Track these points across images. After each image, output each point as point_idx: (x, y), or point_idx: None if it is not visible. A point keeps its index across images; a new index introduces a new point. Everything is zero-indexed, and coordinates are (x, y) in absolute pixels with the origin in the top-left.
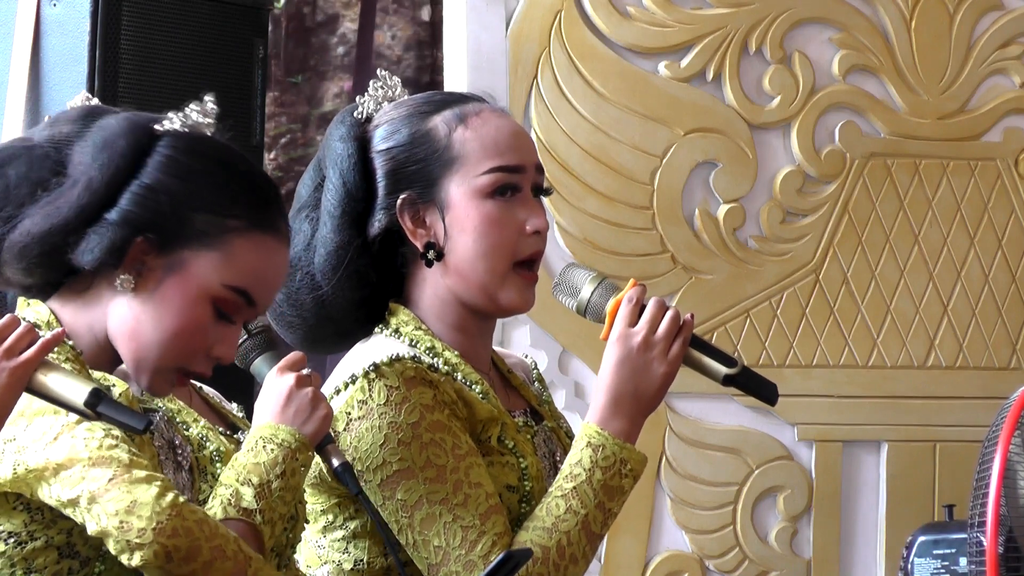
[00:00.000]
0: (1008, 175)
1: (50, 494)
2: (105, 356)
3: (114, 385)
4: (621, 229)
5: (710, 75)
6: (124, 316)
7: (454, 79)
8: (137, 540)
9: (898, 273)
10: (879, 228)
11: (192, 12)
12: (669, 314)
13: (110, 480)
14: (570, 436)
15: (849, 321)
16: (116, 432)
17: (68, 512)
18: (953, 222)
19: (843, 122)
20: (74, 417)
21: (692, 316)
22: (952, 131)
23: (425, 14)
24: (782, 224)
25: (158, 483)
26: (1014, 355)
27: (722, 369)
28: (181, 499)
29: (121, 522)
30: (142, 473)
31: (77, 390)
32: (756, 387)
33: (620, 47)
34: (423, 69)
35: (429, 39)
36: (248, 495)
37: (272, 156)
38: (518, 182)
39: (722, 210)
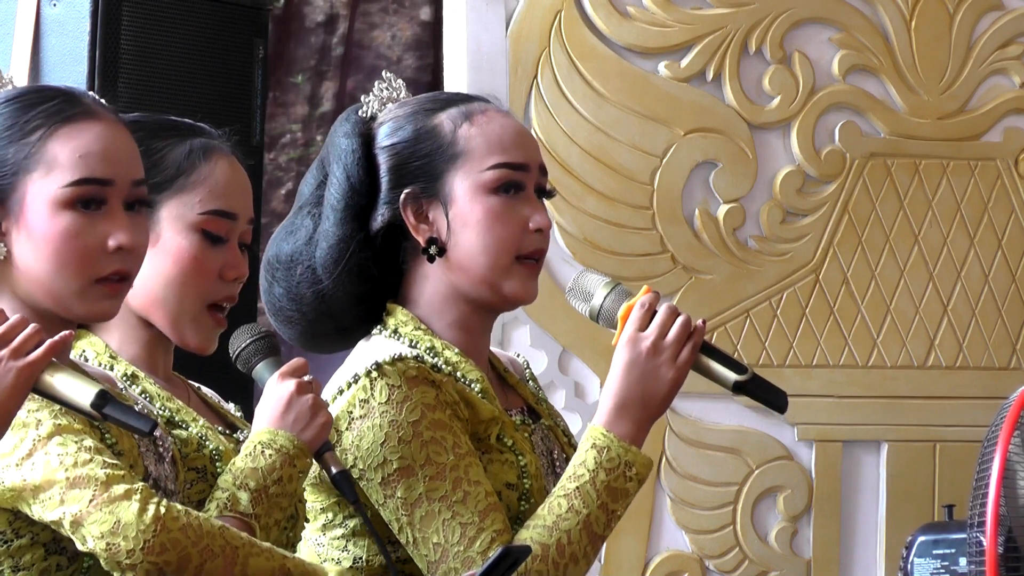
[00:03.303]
0: (1008, 175)
1: (32, 513)
2: (47, 320)
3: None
4: (621, 229)
5: (710, 75)
6: (19, 275)
7: (454, 79)
8: (128, 561)
9: (898, 273)
10: (879, 228)
11: (192, 12)
12: (680, 319)
13: (90, 502)
14: (567, 435)
15: (849, 321)
16: (89, 443)
17: (55, 528)
18: (953, 222)
19: (843, 122)
20: (45, 430)
21: (704, 322)
22: (952, 131)
23: (425, 14)
24: (782, 224)
25: (138, 496)
26: (1014, 355)
27: (732, 376)
28: (163, 508)
29: (108, 544)
30: (121, 489)
31: (84, 391)
32: (766, 394)
33: (620, 47)
34: (423, 69)
35: (429, 39)
36: (244, 499)
37: (272, 156)
38: (522, 180)
39: (722, 210)
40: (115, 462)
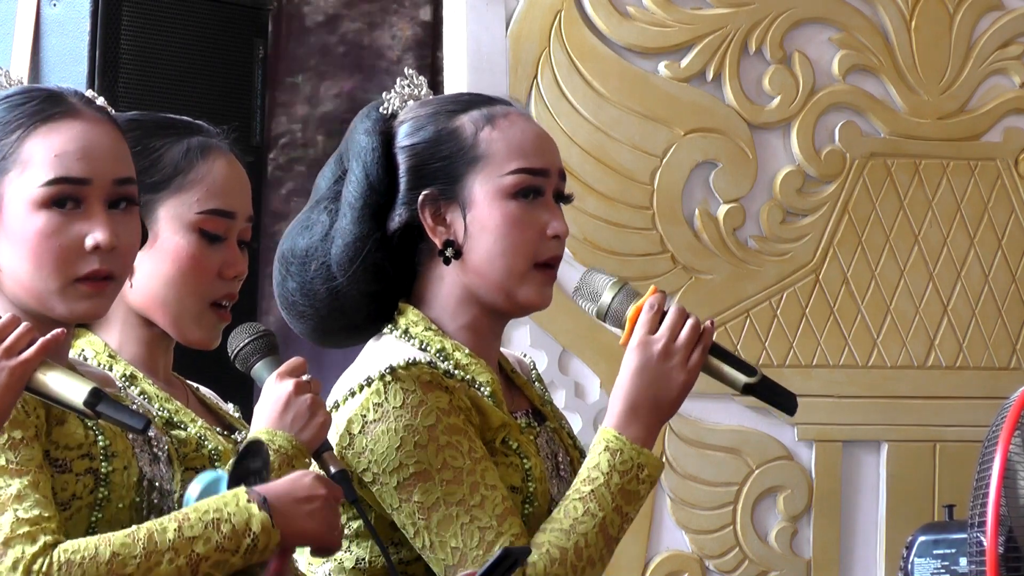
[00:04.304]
0: (1008, 175)
1: None
2: (38, 320)
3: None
4: (621, 229)
5: (710, 75)
6: (4, 276)
7: (454, 79)
8: None
9: (898, 273)
10: (879, 228)
11: (192, 12)
12: (690, 322)
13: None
14: (572, 437)
15: (849, 321)
16: (15, 489)
17: None
18: (953, 222)
19: (843, 122)
20: None
21: (712, 324)
22: (952, 131)
23: (425, 14)
24: (782, 224)
25: (22, 565)
26: (1014, 355)
27: (741, 378)
28: (51, 557)
29: None
30: (8, 559)
31: (77, 389)
32: (775, 396)
33: (620, 47)
34: (423, 69)
35: (429, 39)
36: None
37: (272, 156)
38: (541, 185)
39: (722, 210)
40: (30, 516)
